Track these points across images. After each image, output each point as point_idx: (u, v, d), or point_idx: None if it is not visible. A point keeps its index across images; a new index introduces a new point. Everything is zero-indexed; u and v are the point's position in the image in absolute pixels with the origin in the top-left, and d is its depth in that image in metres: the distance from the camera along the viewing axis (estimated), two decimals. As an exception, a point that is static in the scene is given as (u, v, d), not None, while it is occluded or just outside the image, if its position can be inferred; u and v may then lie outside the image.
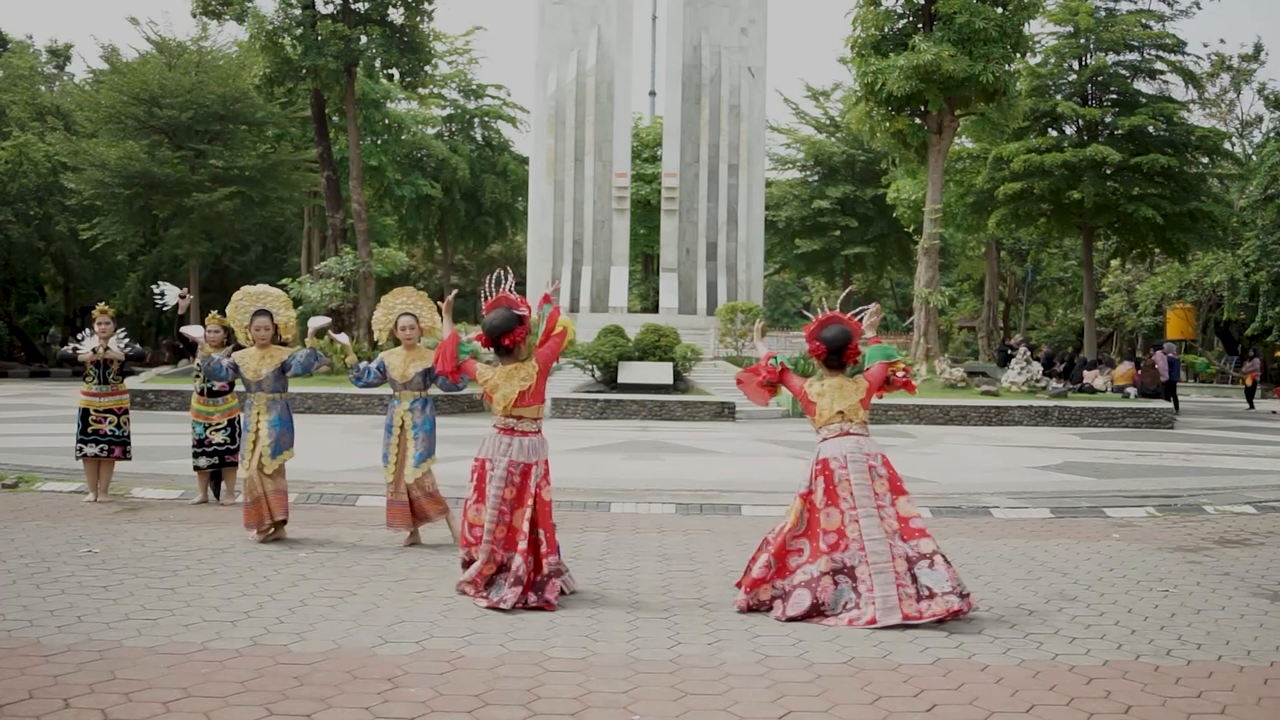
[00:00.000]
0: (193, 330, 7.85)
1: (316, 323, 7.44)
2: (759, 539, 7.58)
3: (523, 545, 5.53)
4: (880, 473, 5.42)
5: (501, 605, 5.38)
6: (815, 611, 5.26)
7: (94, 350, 8.88)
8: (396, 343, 7.45)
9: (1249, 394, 27.62)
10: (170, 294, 8.22)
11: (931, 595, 5.20)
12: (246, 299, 7.66)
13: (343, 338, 7.45)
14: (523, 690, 4.11)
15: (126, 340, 9.12)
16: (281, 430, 7.31)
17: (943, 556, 5.33)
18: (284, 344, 7.57)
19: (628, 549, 7.17)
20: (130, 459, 9.12)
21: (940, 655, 4.68)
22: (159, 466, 10.82)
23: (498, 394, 5.66)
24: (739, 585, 5.56)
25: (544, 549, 5.59)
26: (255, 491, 7.14)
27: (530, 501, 5.58)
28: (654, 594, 5.84)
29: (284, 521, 7.25)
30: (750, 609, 5.41)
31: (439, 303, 6.64)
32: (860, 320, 5.78)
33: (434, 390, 7.36)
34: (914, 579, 5.24)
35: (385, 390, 7.46)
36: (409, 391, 7.25)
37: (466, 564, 5.78)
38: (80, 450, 8.88)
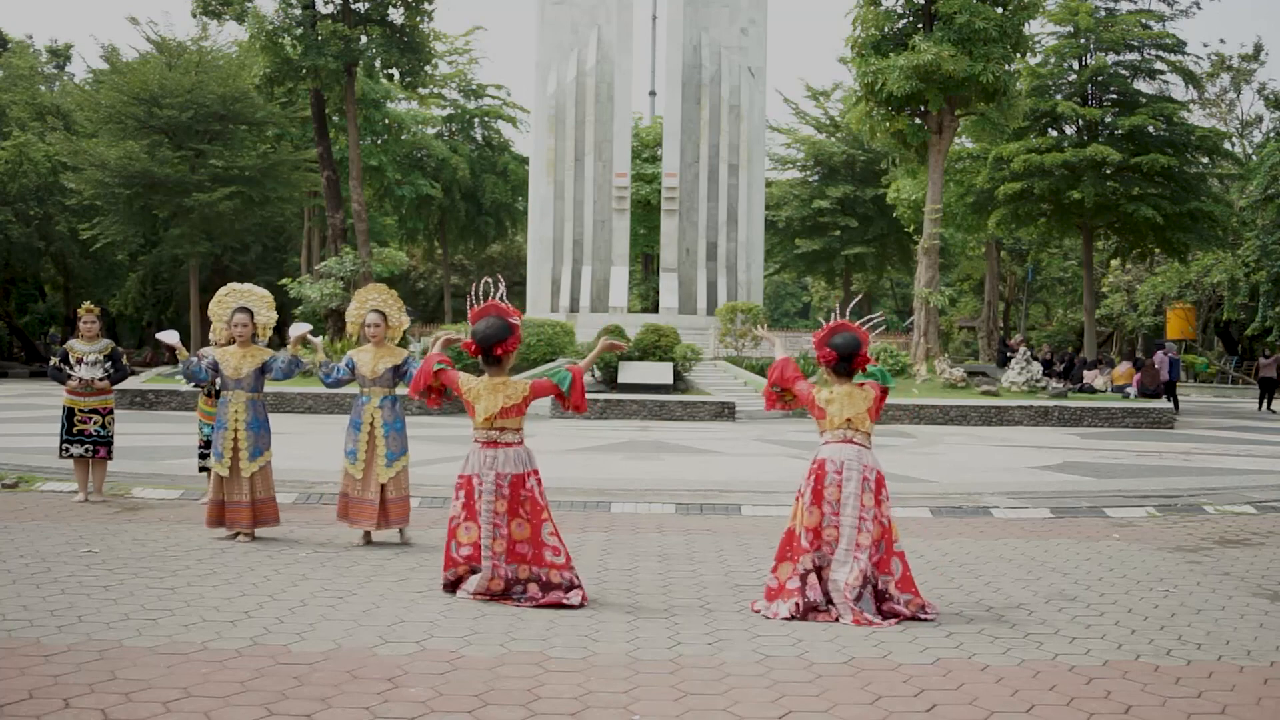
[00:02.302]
0: (167, 336, 7.81)
1: (298, 329, 7.40)
2: (759, 539, 7.60)
3: (530, 554, 5.52)
4: (871, 486, 5.40)
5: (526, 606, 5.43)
6: (809, 609, 5.29)
7: (81, 379, 8.83)
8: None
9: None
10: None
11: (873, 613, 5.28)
12: (231, 295, 7.68)
13: (315, 340, 7.42)
14: (523, 690, 4.11)
15: (110, 364, 8.99)
16: (260, 432, 7.29)
17: (873, 588, 5.34)
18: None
19: (628, 549, 7.16)
20: (111, 458, 9.08)
21: (940, 655, 4.68)
22: (159, 466, 10.82)
23: (480, 404, 5.57)
24: (770, 599, 5.42)
25: (553, 558, 5.53)
26: (222, 494, 7.12)
27: (524, 512, 5.53)
28: (654, 594, 5.83)
29: (251, 534, 7.22)
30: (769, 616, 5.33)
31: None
32: (868, 329, 5.78)
33: (402, 389, 7.35)
34: (859, 597, 5.27)
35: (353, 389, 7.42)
36: (378, 389, 7.21)
37: (450, 585, 5.67)
38: (65, 450, 8.84)
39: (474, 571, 5.62)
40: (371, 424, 7.15)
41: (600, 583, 6.04)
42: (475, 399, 5.60)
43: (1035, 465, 12.74)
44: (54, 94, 39.83)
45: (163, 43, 33.69)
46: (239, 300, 7.59)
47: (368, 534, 7.20)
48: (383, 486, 7.10)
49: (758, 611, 5.39)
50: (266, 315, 7.61)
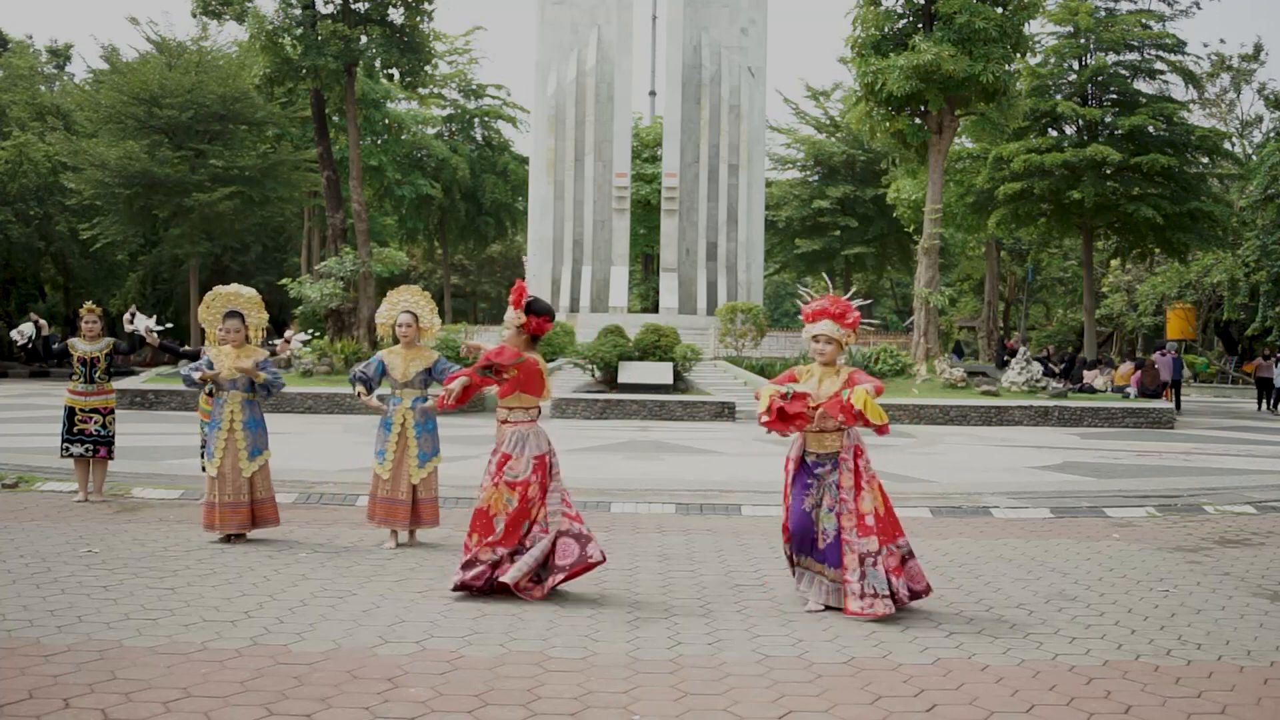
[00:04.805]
0: (137, 324, 7.73)
1: (293, 340, 7.43)
2: (759, 539, 7.60)
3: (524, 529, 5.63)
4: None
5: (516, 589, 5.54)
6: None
7: (81, 354, 8.84)
8: (396, 341, 7.43)
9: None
10: (139, 322, 8.14)
11: (876, 595, 5.26)
12: (219, 300, 7.62)
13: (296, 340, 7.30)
14: (523, 690, 4.11)
15: (109, 363, 8.99)
16: (258, 431, 7.25)
17: (886, 556, 5.35)
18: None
19: (628, 549, 7.16)
20: (113, 458, 9.08)
21: (940, 655, 4.69)
22: (159, 466, 10.82)
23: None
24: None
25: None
26: (215, 495, 7.05)
27: (490, 485, 5.63)
28: (654, 594, 5.83)
29: (243, 535, 7.18)
30: None
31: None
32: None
33: (434, 389, 7.33)
34: (863, 576, 5.28)
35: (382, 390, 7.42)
36: (410, 390, 7.22)
37: (469, 565, 5.69)
38: (66, 449, 8.84)
39: (517, 552, 5.63)
40: (403, 425, 7.16)
41: (600, 583, 6.04)
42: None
43: (1035, 465, 12.73)
44: (54, 94, 39.83)
45: (163, 43, 33.71)
46: (228, 305, 7.53)
47: (395, 534, 7.18)
48: (414, 487, 7.11)
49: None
50: (257, 317, 7.56)
